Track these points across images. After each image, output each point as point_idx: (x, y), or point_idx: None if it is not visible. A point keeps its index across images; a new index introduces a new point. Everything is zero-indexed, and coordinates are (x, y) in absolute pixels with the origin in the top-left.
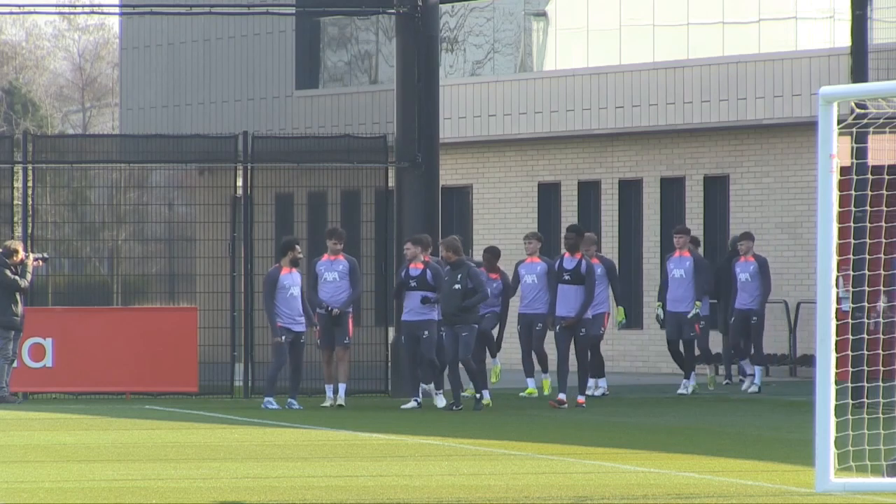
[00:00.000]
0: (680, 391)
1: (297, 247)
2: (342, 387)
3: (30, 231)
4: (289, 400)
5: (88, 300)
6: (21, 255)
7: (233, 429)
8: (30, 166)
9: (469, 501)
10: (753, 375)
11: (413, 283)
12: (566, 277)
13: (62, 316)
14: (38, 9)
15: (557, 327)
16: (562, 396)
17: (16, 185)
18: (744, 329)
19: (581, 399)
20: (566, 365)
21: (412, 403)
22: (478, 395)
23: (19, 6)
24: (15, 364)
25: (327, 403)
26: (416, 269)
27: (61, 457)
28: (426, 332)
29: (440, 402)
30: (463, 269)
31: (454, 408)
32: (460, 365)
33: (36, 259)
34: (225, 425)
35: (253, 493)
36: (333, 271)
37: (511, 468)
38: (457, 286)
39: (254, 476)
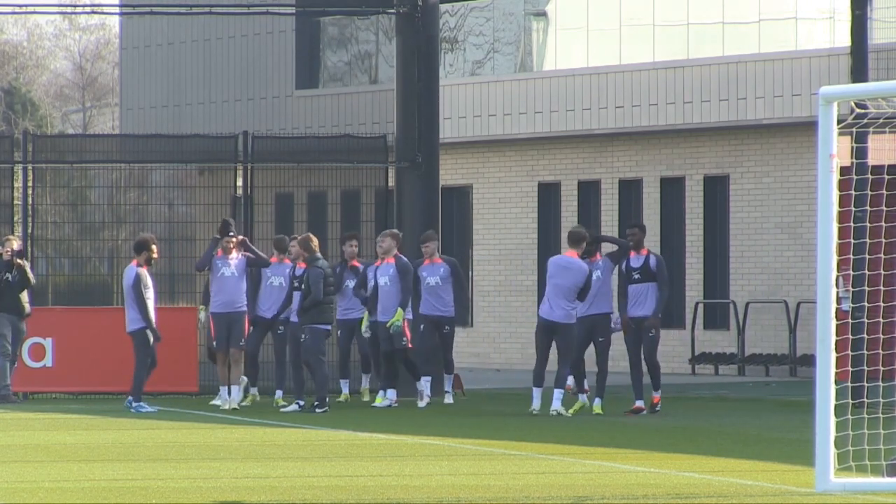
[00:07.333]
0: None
1: (154, 247)
2: (235, 388)
3: (30, 231)
4: (138, 404)
5: (88, 300)
6: None
7: (233, 429)
8: (30, 166)
9: (469, 501)
10: None
11: (296, 284)
12: (636, 276)
13: (62, 316)
14: (39, 8)
15: (623, 334)
16: (639, 403)
17: (16, 184)
18: None
19: (655, 397)
20: (639, 370)
21: (293, 406)
22: (315, 402)
23: (20, 6)
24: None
25: (223, 405)
26: (300, 268)
27: (61, 457)
28: (303, 336)
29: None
30: (308, 269)
31: (299, 405)
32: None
33: (8, 253)
34: (225, 425)
35: (253, 493)
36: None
37: (511, 468)
38: (303, 286)
39: (254, 476)
